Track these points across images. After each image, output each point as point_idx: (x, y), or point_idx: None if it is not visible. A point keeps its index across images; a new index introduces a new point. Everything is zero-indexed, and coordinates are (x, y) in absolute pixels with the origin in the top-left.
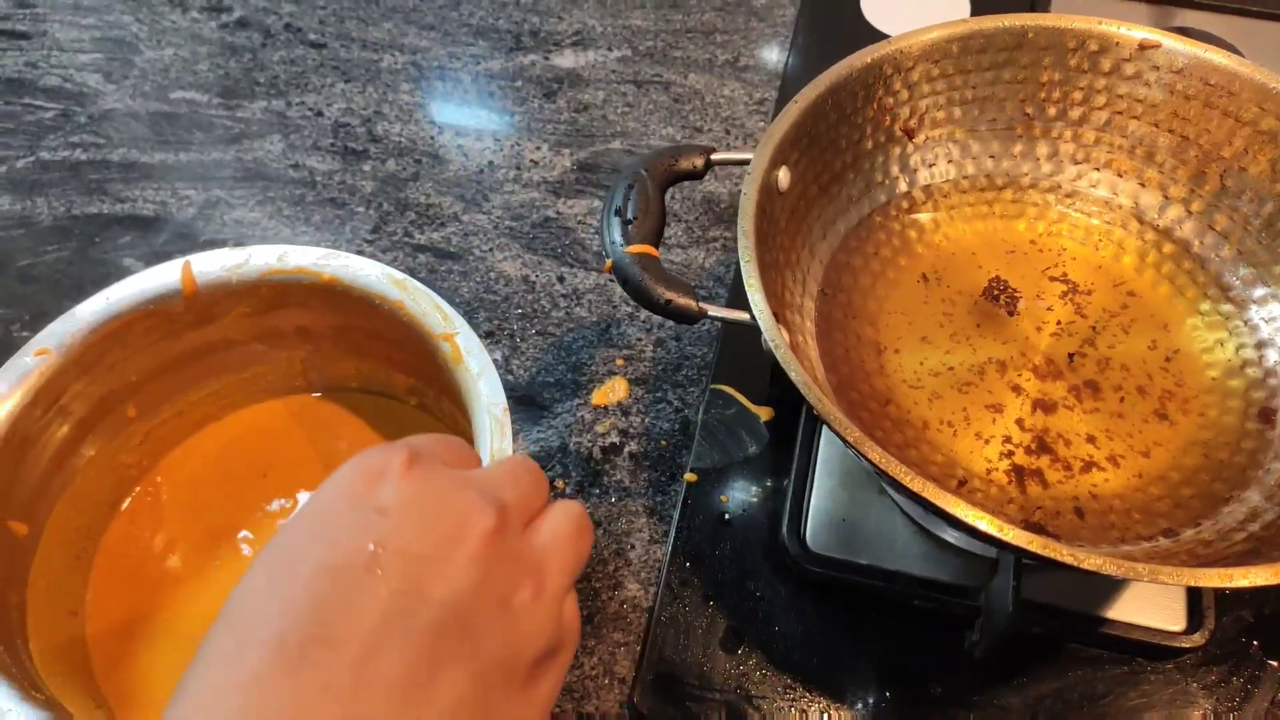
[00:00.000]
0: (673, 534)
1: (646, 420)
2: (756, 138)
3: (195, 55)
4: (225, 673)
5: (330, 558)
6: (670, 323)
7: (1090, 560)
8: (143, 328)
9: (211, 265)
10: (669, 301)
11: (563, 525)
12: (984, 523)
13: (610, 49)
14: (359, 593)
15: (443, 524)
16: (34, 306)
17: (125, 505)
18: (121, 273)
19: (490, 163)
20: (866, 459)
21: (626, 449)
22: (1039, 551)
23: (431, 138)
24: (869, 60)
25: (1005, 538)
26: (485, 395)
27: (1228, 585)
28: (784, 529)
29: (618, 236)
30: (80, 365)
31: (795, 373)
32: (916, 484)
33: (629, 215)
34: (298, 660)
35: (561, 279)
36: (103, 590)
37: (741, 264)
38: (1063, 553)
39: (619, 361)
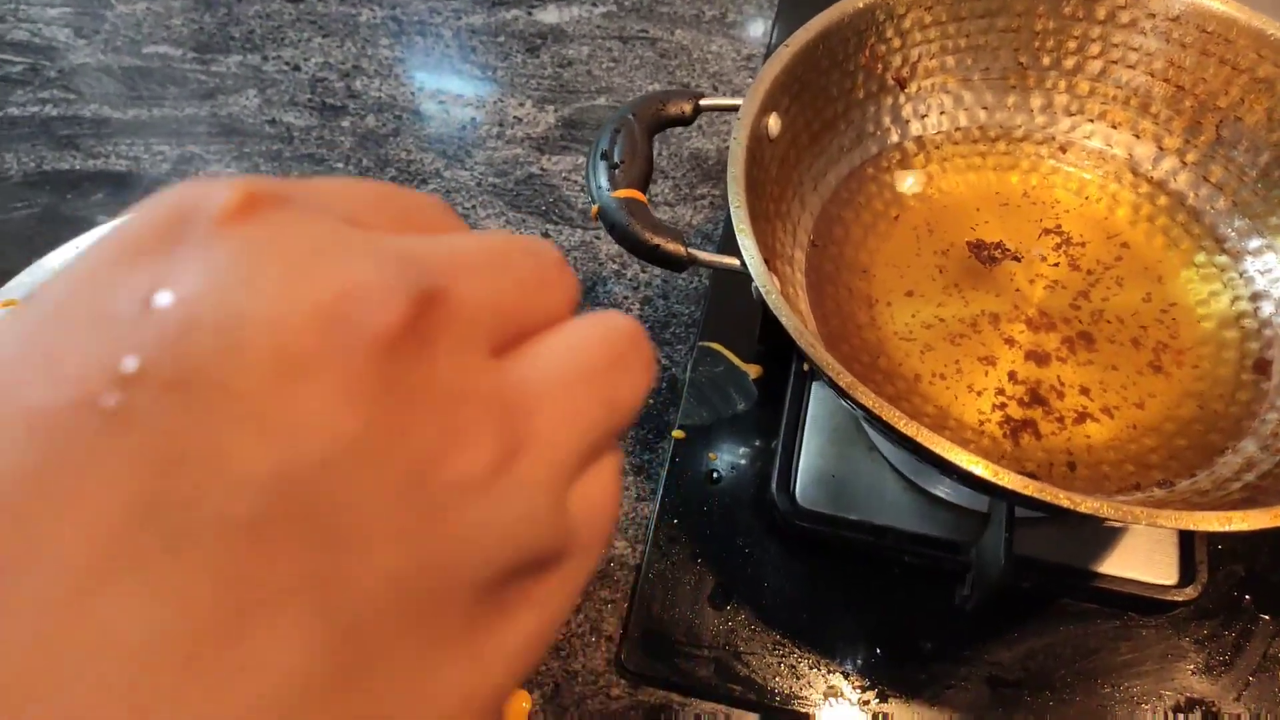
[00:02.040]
0: (660, 491)
1: None
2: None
3: (168, 9)
4: None
5: (46, 395)
6: (657, 280)
7: (1086, 503)
8: None
9: None
10: (657, 246)
11: (586, 348)
12: (979, 467)
13: (595, 4)
14: (87, 463)
15: (286, 320)
16: (3, 262)
17: None
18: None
19: (472, 119)
20: (860, 405)
21: None
22: (1034, 495)
23: (412, 94)
24: (861, 5)
25: (1000, 482)
26: None
27: (1226, 528)
28: (773, 485)
29: (604, 181)
30: None
31: (787, 319)
32: (910, 428)
33: (615, 159)
34: None
35: (546, 236)
36: None
37: (732, 210)
38: (1059, 496)
39: None
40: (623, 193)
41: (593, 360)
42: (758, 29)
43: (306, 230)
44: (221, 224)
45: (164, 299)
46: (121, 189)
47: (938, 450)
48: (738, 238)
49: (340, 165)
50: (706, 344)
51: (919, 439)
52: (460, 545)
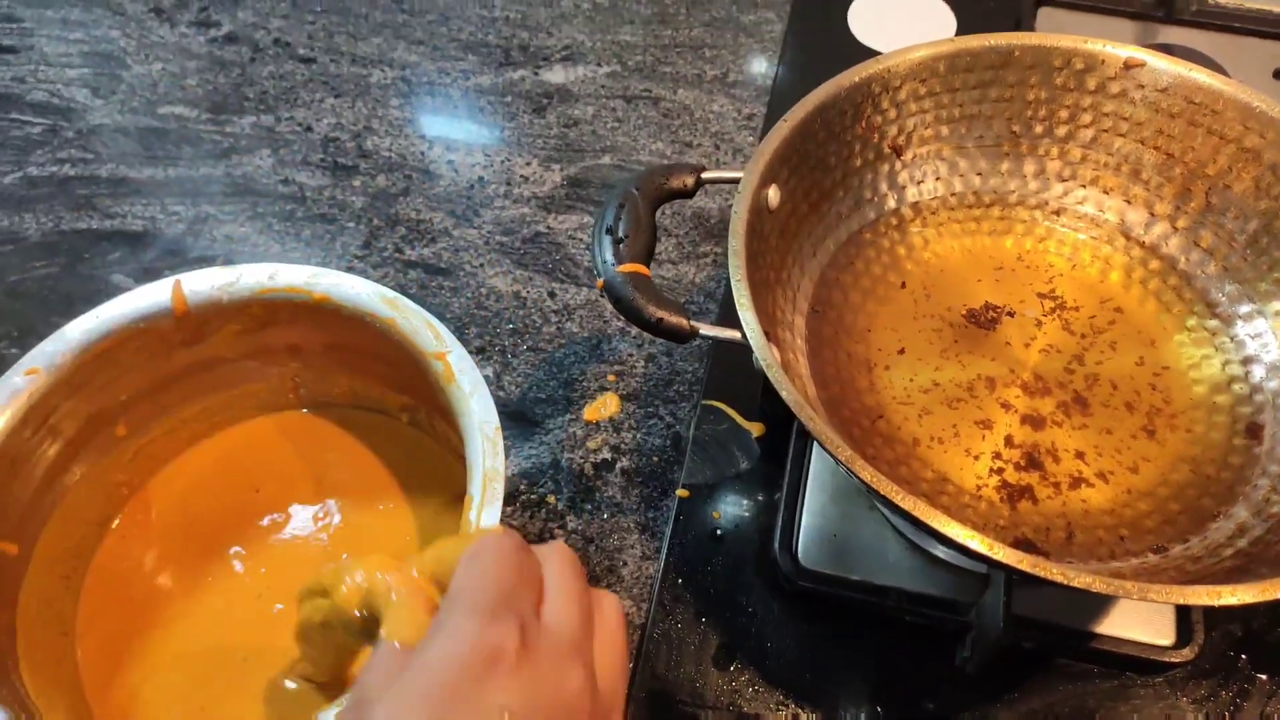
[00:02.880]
0: (665, 550)
1: (638, 436)
2: (746, 153)
3: (184, 70)
4: None
5: None
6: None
7: (1080, 578)
8: (133, 347)
9: (202, 284)
10: (660, 320)
11: (616, 652)
12: (975, 541)
13: (600, 64)
14: None
15: (555, 716)
16: (22, 323)
17: (116, 524)
18: (110, 289)
19: (480, 178)
20: (858, 477)
21: (618, 465)
22: (1028, 570)
23: (421, 153)
24: (857, 79)
25: (996, 556)
26: (477, 413)
27: (1215, 603)
28: (776, 544)
29: (609, 255)
30: (70, 385)
31: (787, 392)
32: (908, 503)
33: (620, 234)
34: None
35: (553, 294)
36: (94, 610)
37: (733, 283)
38: (1052, 571)
39: (610, 377)
40: (627, 267)
41: (621, 657)
42: (759, 88)
43: (548, 652)
44: (515, 664)
45: (510, 714)
46: (138, 248)
47: (935, 525)
48: (739, 311)
49: (351, 225)
50: (710, 402)
51: (916, 513)
52: None
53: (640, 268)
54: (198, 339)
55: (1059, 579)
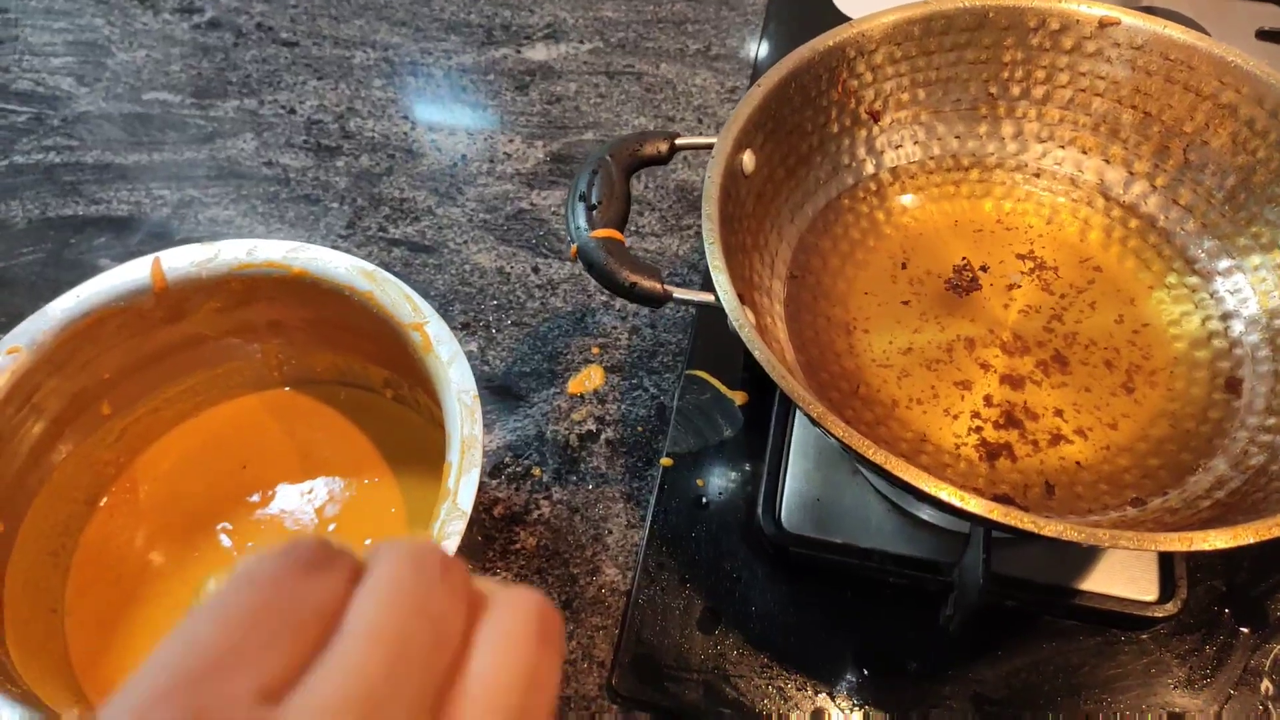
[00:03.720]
0: (649, 518)
1: (622, 407)
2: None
3: (167, 56)
4: None
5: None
6: (645, 311)
7: (1050, 526)
8: (114, 325)
9: (181, 261)
10: (634, 284)
11: (505, 679)
12: (945, 492)
13: (582, 41)
14: None
15: None
16: (10, 309)
17: (104, 502)
18: (97, 273)
19: (463, 156)
20: (831, 434)
21: (603, 436)
22: (1000, 519)
23: (404, 133)
24: (831, 44)
25: (967, 507)
26: (455, 382)
27: (1188, 548)
28: (759, 510)
29: (582, 222)
30: (52, 363)
31: (760, 351)
32: (879, 456)
33: (593, 200)
34: None
35: (536, 270)
36: (82, 586)
37: (706, 246)
38: (1023, 519)
39: (594, 350)
40: (601, 233)
41: (507, 703)
42: (741, 62)
43: None
44: None
45: None
46: (124, 233)
47: (906, 477)
48: (712, 274)
49: (335, 205)
50: (693, 372)
51: (887, 466)
52: None
53: (614, 233)
54: (178, 316)
55: (1029, 527)
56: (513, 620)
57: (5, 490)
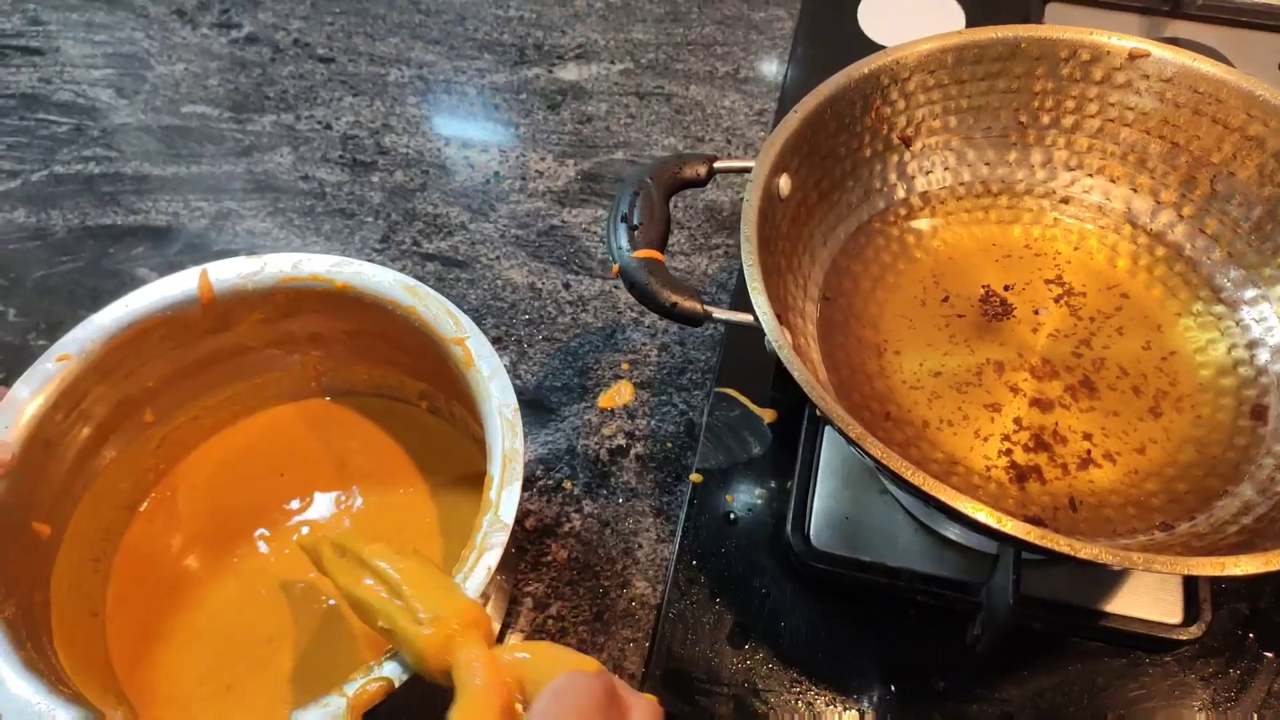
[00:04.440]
0: (679, 533)
1: (652, 423)
2: (757, 147)
3: (206, 70)
4: None
5: None
6: (674, 327)
7: (1086, 549)
8: (160, 334)
9: (228, 273)
10: (675, 304)
11: None
12: (983, 514)
13: (613, 62)
14: None
15: None
16: (50, 316)
17: (143, 507)
18: (136, 283)
19: (496, 173)
20: (869, 455)
21: (633, 451)
22: (1036, 541)
23: (438, 149)
24: (866, 71)
25: (1004, 529)
26: (496, 397)
27: (1220, 573)
28: (789, 527)
29: (624, 242)
30: (100, 370)
31: (799, 372)
32: (917, 478)
33: (635, 221)
34: None
35: (567, 286)
36: (122, 590)
37: (745, 268)
38: (1059, 542)
39: (624, 366)
40: (642, 253)
41: None
42: (769, 85)
43: None
44: None
45: None
46: (162, 243)
47: (944, 498)
48: (751, 296)
49: (370, 219)
50: (722, 389)
51: (925, 487)
52: None
53: (655, 254)
54: (223, 327)
55: (1065, 550)
56: None
57: (52, 495)
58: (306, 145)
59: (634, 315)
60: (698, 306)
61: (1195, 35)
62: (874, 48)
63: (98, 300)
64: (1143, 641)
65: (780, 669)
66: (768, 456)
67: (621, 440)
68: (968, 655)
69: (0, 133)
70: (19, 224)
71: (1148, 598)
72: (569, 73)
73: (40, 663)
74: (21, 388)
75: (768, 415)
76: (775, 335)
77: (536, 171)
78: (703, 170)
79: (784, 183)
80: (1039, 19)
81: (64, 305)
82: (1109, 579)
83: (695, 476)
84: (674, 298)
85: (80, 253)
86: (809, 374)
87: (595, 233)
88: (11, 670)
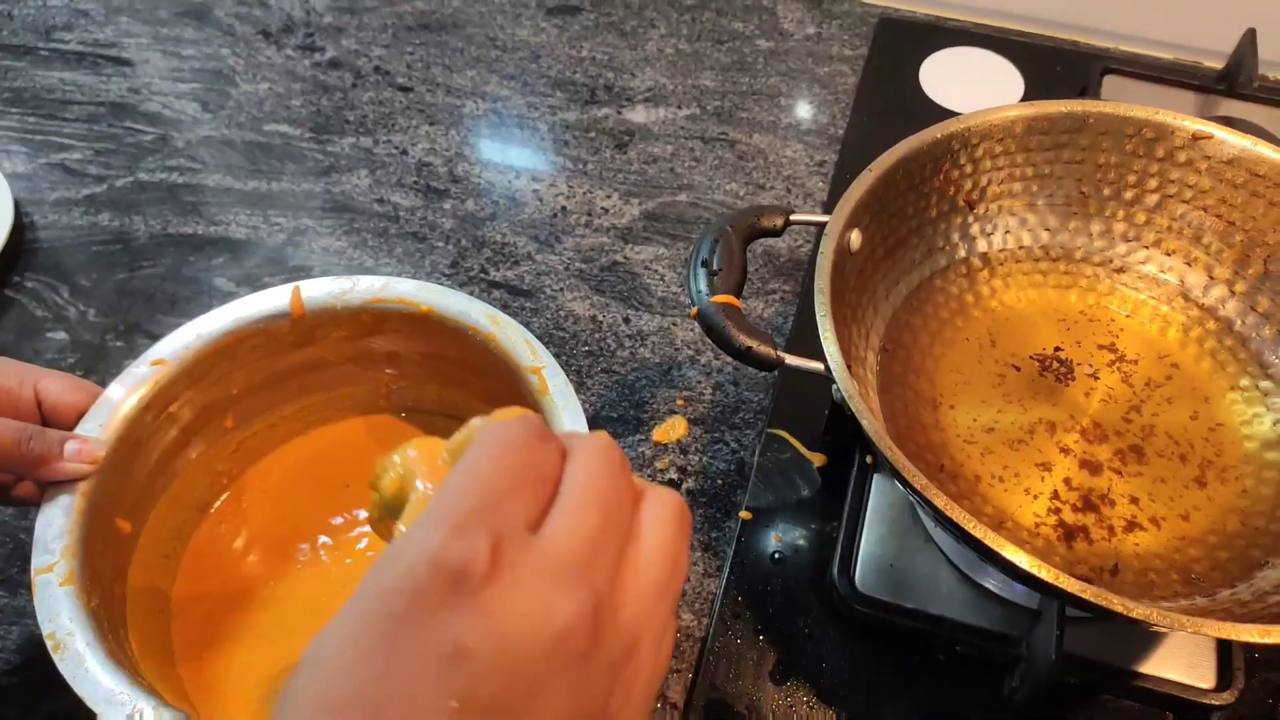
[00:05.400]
0: (726, 569)
1: (704, 459)
2: (816, 197)
3: (289, 91)
4: None
5: (407, 715)
6: (729, 367)
7: (1139, 609)
8: (251, 345)
9: (319, 291)
10: (749, 349)
11: (660, 549)
12: (1041, 570)
13: (680, 106)
14: None
15: (534, 662)
16: (129, 319)
17: (214, 509)
18: (214, 292)
19: (563, 208)
20: (931, 505)
21: (684, 485)
22: (1090, 599)
23: (509, 181)
24: (939, 135)
25: (1060, 584)
26: (569, 425)
27: (1265, 640)
28: (834, 570)
29: (704, 286)
30: (191, 376)
31: (867, 422)
32: (979, 531)
33: (714, 267)
34: None
35: (627, 320)
36: (188, 588)
37: (818, 319)
38: (1113, 601)
39: (679, 401)
40: (720, 298)
41: (665, 573)
42: (830, 137)
43: (528, 569)
44: (480, 585)
45: (464, 652)
46: (240, 255)
47: (1003, 553)
48: (824, 345)
49: (441, 244)
50: (774, 431)
51: (986, 540)
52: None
53: (732, 299)
54: (308, 342)
55: (1118, 609)
56: (664, 509)
57: (136, 492)
58: (383, 169)
59: (690, 353)
60: (771, 352)
61: (1248, 115)
62: (933, 107)
63: (175, 306)
64: (1175, 704)
65: (820, 707)
66: (815, 499)
67: (674, 474)
68: (1003, 705)
69: (89, 138)
70: (103, 227)
71: (1182, 661)
72: (637, 114)
73: (120, 654)
74: (116, 388)
75: (817, 459)
76: (846, 385)
77: (602, 208)
78: (779, 222)
79: (855, 237)
80: (1097, 91)
81: (143, 309)
82: (1145, 640)
83: (745, 514)
84: (749, 342)
85: (161, 259)
86: (877, 424)
87: (656, 270)
88: (97, 661)
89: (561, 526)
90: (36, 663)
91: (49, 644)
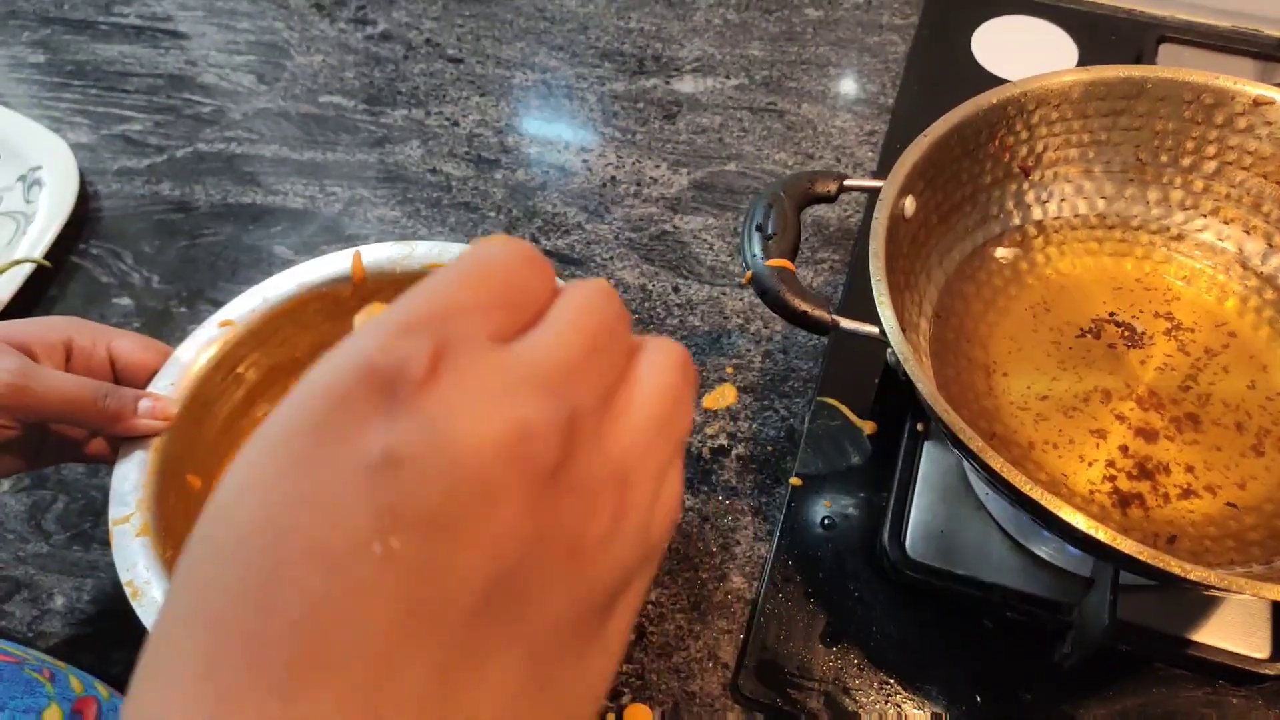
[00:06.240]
0: (777, 533)
1: (754, 426)
2: (866, 166)
3: (342, 63)
4: (192, 699)
5: (323, 537)
6: (778, 335)
7: (1196, 572)
8: (314, 308)
9: (379, 255)
10: (805, 312)
11: (659, 388)
12: (1099, 531)
13: (728, 76)
14: (367, 586)
15: (484, 468)
16: (191, 284)
17: None
18: (272, 258)
19: (612, 178)
20: (987, 467)
21: (734, 451)
22: (1148, 560)
23: (559, 151)
24: (995, 101)
25: (1119, 546)
26: None
27: None
28: (885, 536)
29: (758, 250)
30: (258, 337)
31: (923, 385)
32: (1035, 492)
33: (769, 231)
34: (290, 689)
35: (676, 289)
36: None
37: (873, 283)
38: (1170, 563)
39: (729, 369)
40: (774, 262)
41: (664, 410)
42: (880, 107)
43: (476, 385)
44: (416, 390)
45: (394, 460)
46: (299, 223)
47: (1061, 514)
48: (879, 309)
49: (492, 214)
50: (824, 399)
51: (1043, 502)
52: (600, 577)
53: (786, 263)
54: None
55: (1175, 570)
56: (664, 355)
57: (205, 450)
58: (435, 140)
59: (739, 321)
60: (826, 315)
61: None
62: (986, 75)
63: (236, 272)
64: (1228, 673)
65: (870, 670)
66: (865, 467)
67: (724, 440)
68: (1054, 671)
69: (150, 110)
70: (164, 196)
71: (1236, 630)
72: (686, 85)
73: None
74: (186, 348)
75: (868, 427)
76: (901, 348)
77: (651, 178)
78: (833, 187)
79: (909, 204)
80: (1153, 59)
81: (205, 275)
82: (1199, 608)
83: (795, 480)
84: (804, 305)
85: (221, 228)
86: (933, 386)
87: (705, 240)
88: None
89: (536, 344)
90: (110, 614)
91: (127, 591)
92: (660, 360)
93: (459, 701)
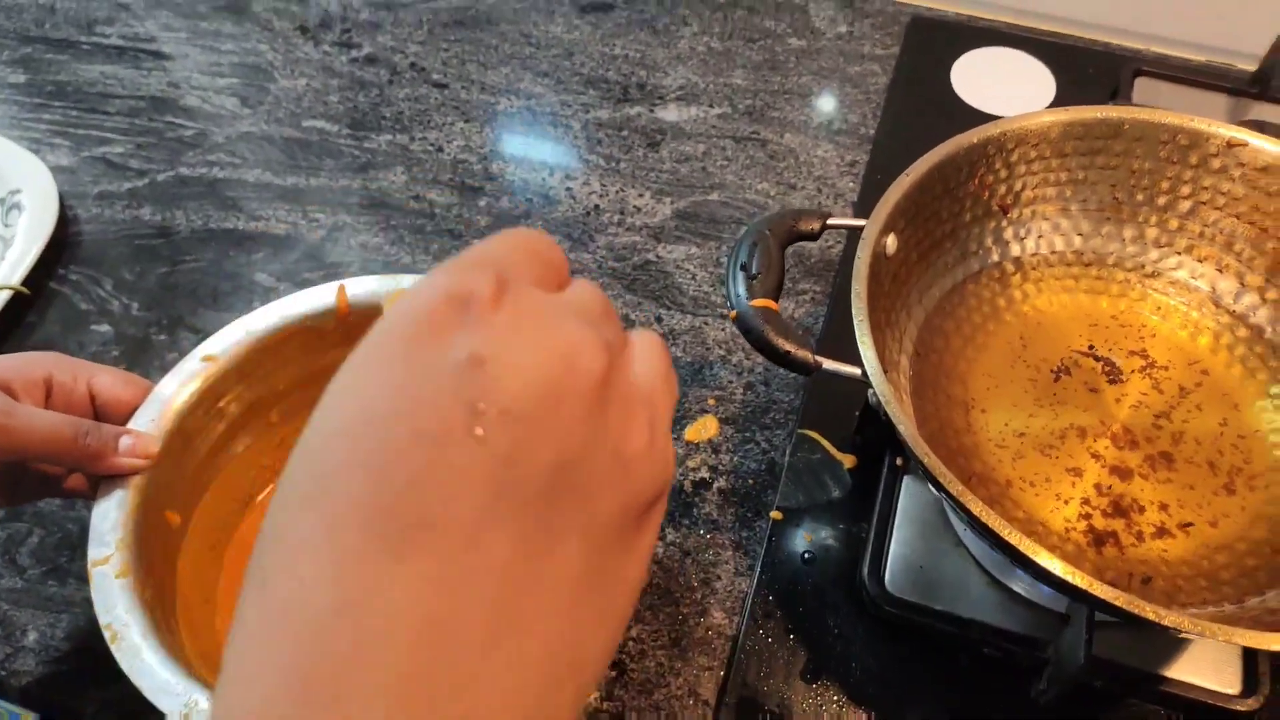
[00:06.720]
0: (758, 568)
1: (735, 459)
2: (847, 197)
3: (326, 87)
4: (315, 560)
5: (423, 422)
6: (760, 367)
7: (1170, 617)
8: (297, 342)
9: (363, 289)
10: (788, 353)
11: (655, 354)
12: (1074, 577)
13: (712, 105)
14: (461, 465)
15: (550, 370)
16: (171, 311)
17: (258, 500)
18: (254, 287)
19: (596, 206)
20: (966, 510)
21: (716, 484)
22: (1123, 606)
23: (542, 179)
24: (975, 140)
25: (1093, 591)
26: None
27: None
28: (864, 571)
29: (742, 290)
30: (240, 371)
31: (903, 427)
32: (1013, 536)
33: (753, 271)
34: (400, 547)
35: (659, 319)
36: (233, 581)
37: (855, 324)
38: (1145, 608)
39: (711, 401)
40: (759, 302)
41: (663, 360)
42: (861, 137)
43: (534, 301)
44: (488, 309)
45: (478, 360)
46: (281, 250)
47: (1037, 559)
48: (861, 350)
49: (476, 241)
50: (805, 431)
51: (1021, 547)
52: (637, 489)
53: (770, 303)
54: (351, 339)
55: (1151, 616)
56: (649, 336)
57: (185, 485)
58: (419, 166)
59: (721, 352)
60: (810, 357)
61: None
62: (964, 108)
63: (218, 300)
64: (1200, 710)
65: (849, 706)
66: (846, 501)
67: (705, 473)
68: (1029, 706)
69: (131, 132)
70: (145, 221)
71: (1208, 666)
72: (669, 113)
73: (173, 644)
74: (168, 383)
75: (848, 460)
76: (883, 390)
77: (635, 207)
78: (816, 225)
79: (891, 241)
80: (1128, 93)
81: (185, 302)
82: (1172, 645)
83: (776, 514)
84: (787, 346)
85: (202, 254)
86: (914, 428)
87: (688, 270)
88: (152, 652)
89: (569, 296)
90: (85, 651)
91: (106, 635)
92: (647, 336)
93: (537, 574)
